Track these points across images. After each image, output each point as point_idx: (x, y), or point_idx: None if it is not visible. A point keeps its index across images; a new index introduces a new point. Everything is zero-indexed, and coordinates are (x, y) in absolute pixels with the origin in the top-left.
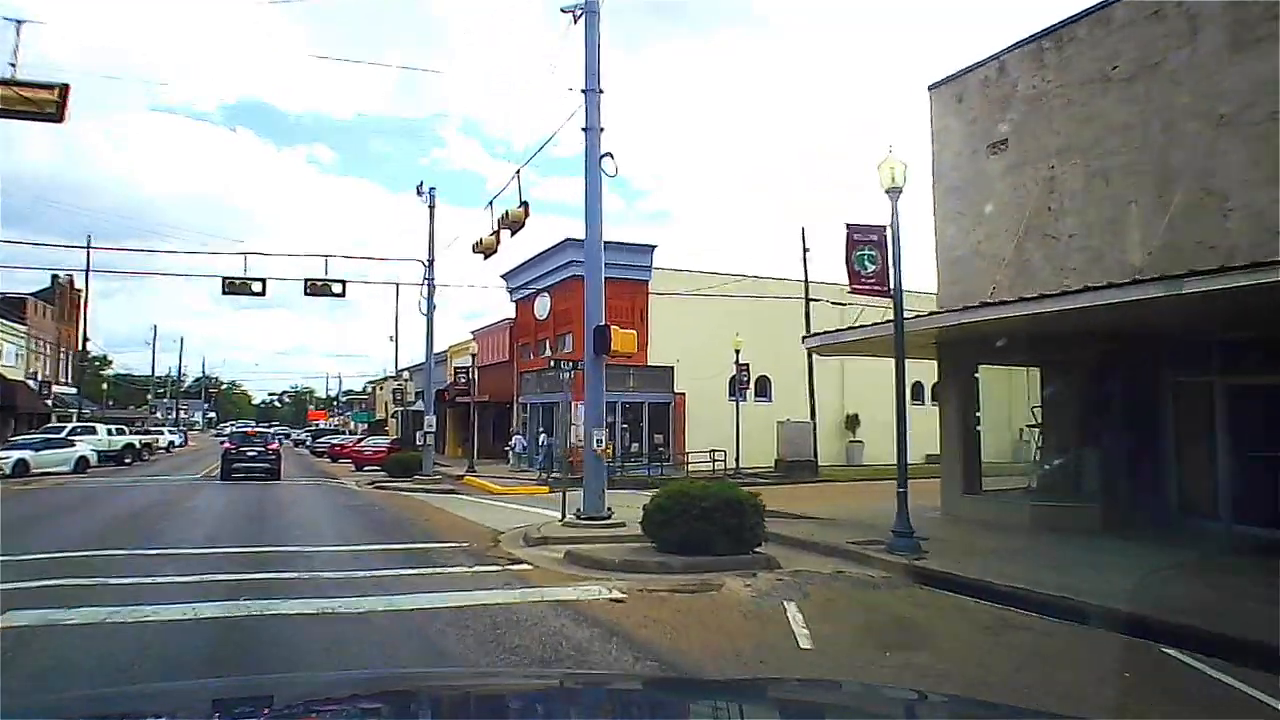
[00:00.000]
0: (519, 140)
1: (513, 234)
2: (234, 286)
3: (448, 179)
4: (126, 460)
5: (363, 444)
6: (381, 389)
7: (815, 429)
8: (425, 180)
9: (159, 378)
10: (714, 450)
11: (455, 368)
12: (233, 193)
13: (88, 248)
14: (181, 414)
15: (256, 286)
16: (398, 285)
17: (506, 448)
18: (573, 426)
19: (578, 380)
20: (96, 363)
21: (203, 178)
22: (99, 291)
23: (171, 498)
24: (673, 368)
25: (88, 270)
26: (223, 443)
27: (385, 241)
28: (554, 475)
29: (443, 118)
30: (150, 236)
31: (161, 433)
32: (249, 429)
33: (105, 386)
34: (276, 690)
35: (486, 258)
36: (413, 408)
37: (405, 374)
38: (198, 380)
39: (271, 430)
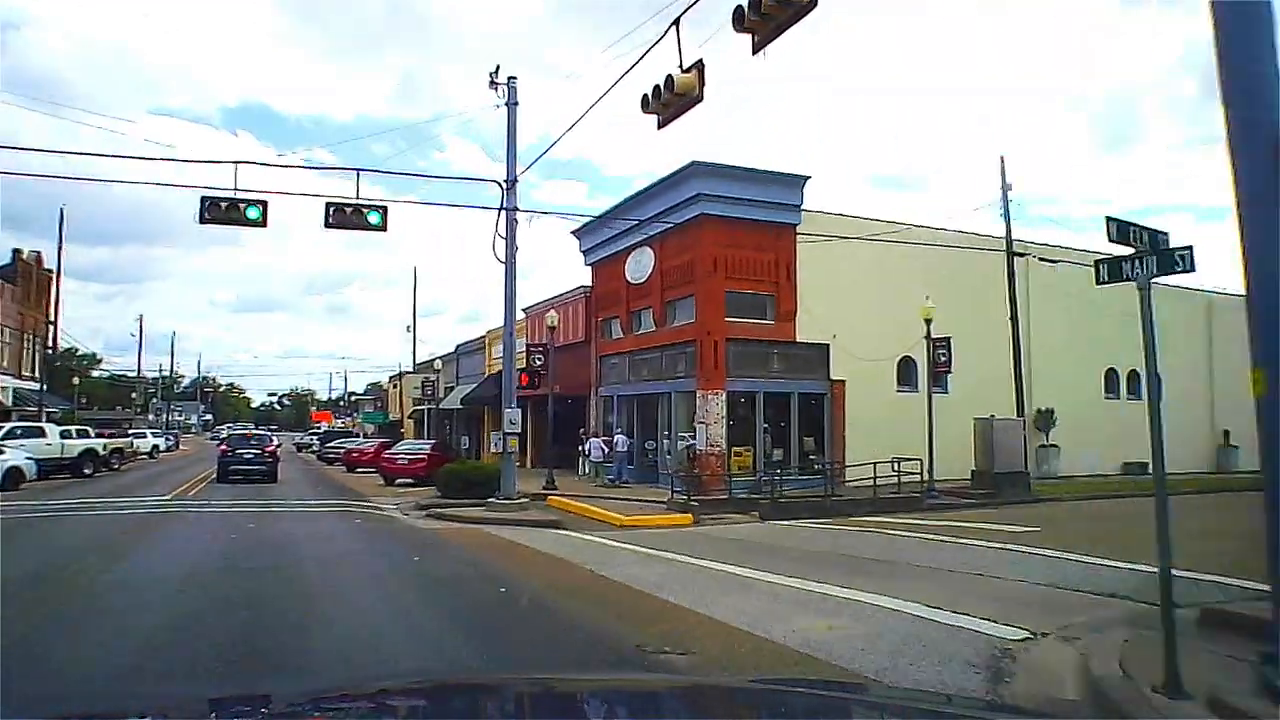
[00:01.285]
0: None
1: (760, 46)
2: (218, 212)
3: (446, 181)
4: (86, 470)
5: (395, 451)
6: (396, 386)
7: (1025, 428)
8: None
9: (149, 378)
10: (898, 459)
11: (495, 357)
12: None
13: (60, 223)
14: (177, 416)
15: (253, 212)
16: (415, 269)
17: (578, 452)
18: (700, 425)
19: (705, 360)
20: (84, 360)
21: (203, 179)
22: (97, 295)
23: (96, 550)
24: (828, 346)
25: (60, 245)
26: (219, 445)
27: (383, 243)
28: (697, 498)
29: (442, 119)
30: (150, 240)
31: (144, 435)
32: (246, 431)
33: (77, 381)
34: (280, 691)
35: (665, 123)
36: (442, 404)
37: (436, 363)
38: (195, 382)
39: (269, 432)
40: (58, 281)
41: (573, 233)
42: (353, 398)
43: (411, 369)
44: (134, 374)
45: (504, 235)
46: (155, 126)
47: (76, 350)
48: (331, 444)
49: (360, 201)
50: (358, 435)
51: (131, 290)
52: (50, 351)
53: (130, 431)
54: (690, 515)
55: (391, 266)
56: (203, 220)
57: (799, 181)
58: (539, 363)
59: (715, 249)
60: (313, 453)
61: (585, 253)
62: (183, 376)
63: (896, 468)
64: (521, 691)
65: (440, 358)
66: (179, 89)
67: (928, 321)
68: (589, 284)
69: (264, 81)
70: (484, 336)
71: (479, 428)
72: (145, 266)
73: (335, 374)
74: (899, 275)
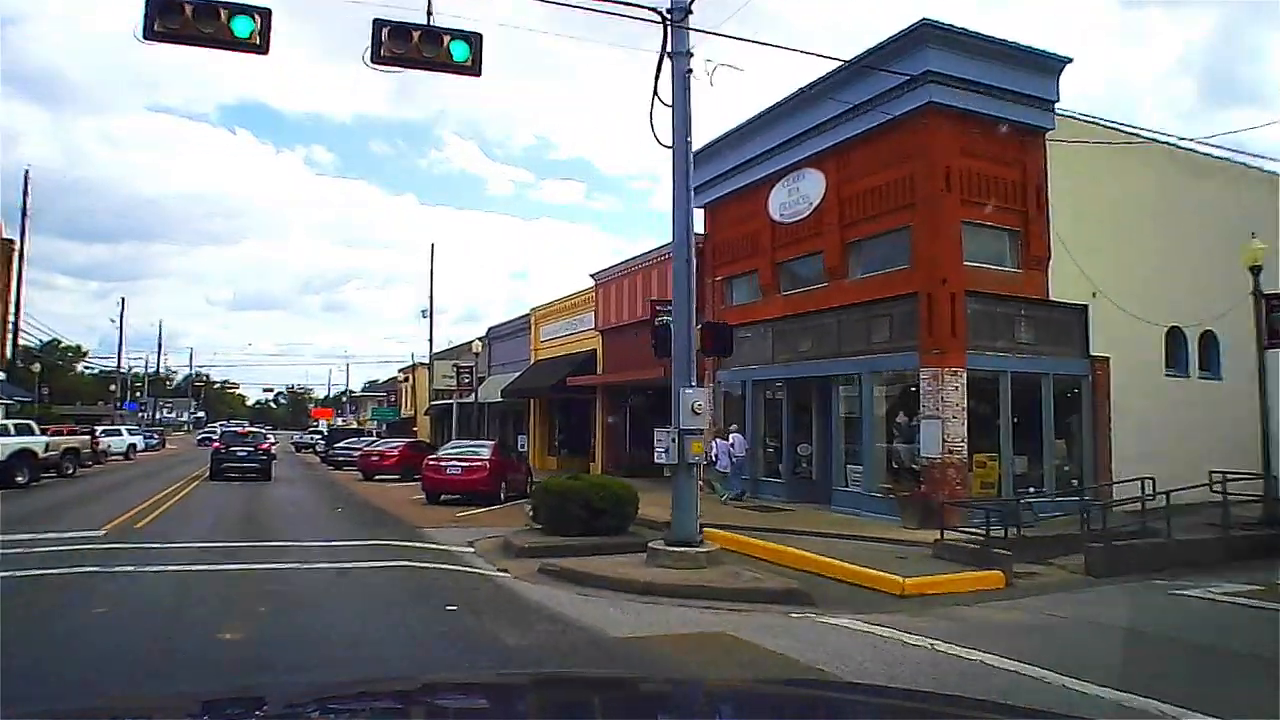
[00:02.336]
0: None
1: None
2: (175, 21)
3: (445, 181)
4: (19, 479)
5: (443, 455)
6: (409, 379)
7: None
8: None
9: (132, 371)
10: (1220, 474)
11: (544, 340)
12: (232, 193)
13: (24, 188)
14: (168, 414)
15: (242, 26)
16: (432, 246)
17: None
18: (930, 421)
19: (938, 323)
20: (70, 353)
21: (201, 177)
22: (94, 293)
23: None
24: (1086, 308)
25: (25, 212)
26: (213, 444)
27: (383, 242)
28: (1002, 543)
29: (441, 119)
30: (146, 236)
31: (119, 433)
32: (240, 428)
33: (39, 369)
34: (271, 693)
35: None
36: (475, 397)
37: (475, 344)
38: (187, 378)
39: (263, 430)
40: (22, 256)
41: None
42: (360, 393)
43: (427, 359)
44: (124, 367)
45: (667, 102)
46: (152, 124)
47: (59, 342)
48: (340, 444)
49: (432, 24)
50: (371, 434)
51: (128, 288)
52: (12, 335)
53: (103, 428)
54: (1001, 572)
55: (387, 266)
56: (149, 33)
57: (1056, 65)
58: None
59: (949, 157)
60: (316, 454)
61: (696, 191)
62: (175, 373)
63: (1220, 487)
64: (522, 691)
65: (480, 339)
66: (177, 86)
67: (1255, 270)
68: (701, 232)
69: (262, 79)
70: (528, 315)
71: (522, 426)
72: (142, 264)
73: (335, 369)
74: (1168, 213)
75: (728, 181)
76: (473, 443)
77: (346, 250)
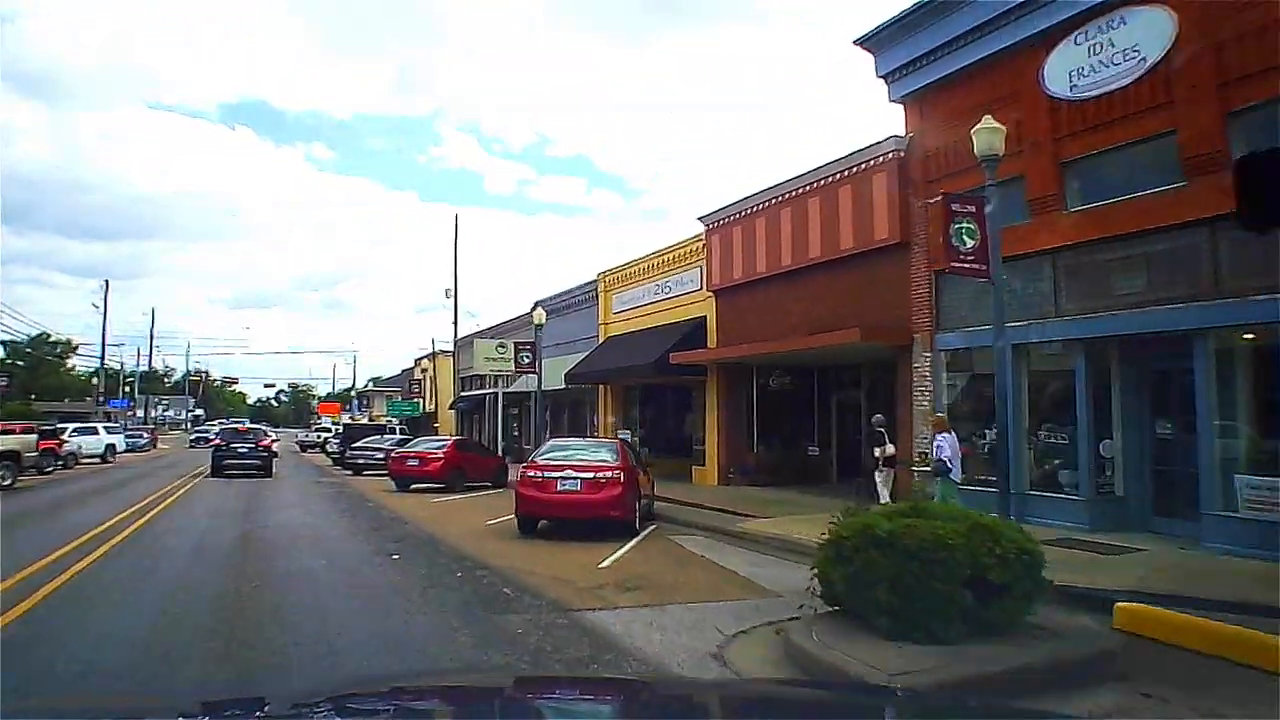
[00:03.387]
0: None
1: None
2: None
3: (445, 177)
4: None
5: (547, 460)
6: (428, 370)
7: None
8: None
9: (120, 363)
10: None
11: (617, 311)
12: (231, 191)
13: None
14: (165, 411)
15: None
16: (456, 216)
17: (876, 457)
18: None
19: None
20: (59, 348)
21: (200, 175)
22: (91, 291)
23: None
24: None
25: None
26: (211, 442)
27: (384, 239)
28: None
29: (440, 114)
30: (145, 235)
31: (95, 432)
32: (240, 425)
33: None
34: (270, 691)
35: None
36: (519, 387)
37: (538, 313)
38: (185, 375)
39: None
40: None
41: (859, 42)
42: (358, 391)
43: (450, 345)
44: (118, 363)
45: None
46: (152, 121)
47: (48, 336)
48: (361, 444)
49: None
50: (394, 431)
51: (127, 286)
52: None
53: (75, 427)
54: None
55: (389, 263)
56: None
57: None
58: (970, 243)
59: None
60: (330, 455)
61: (891, 77)
62: (174, 370)
63: None
64: (521, 690)
65: (548, 301)
66: (177, 84)
67: None
68: (903, 134)
69: (262, 77)
70: (593, 283)
71: (584, 417)
72: (141, 262)
73: (342, 361)
74: None
75: (951, 56)
76: (583, 442)
77: (347, 247)
